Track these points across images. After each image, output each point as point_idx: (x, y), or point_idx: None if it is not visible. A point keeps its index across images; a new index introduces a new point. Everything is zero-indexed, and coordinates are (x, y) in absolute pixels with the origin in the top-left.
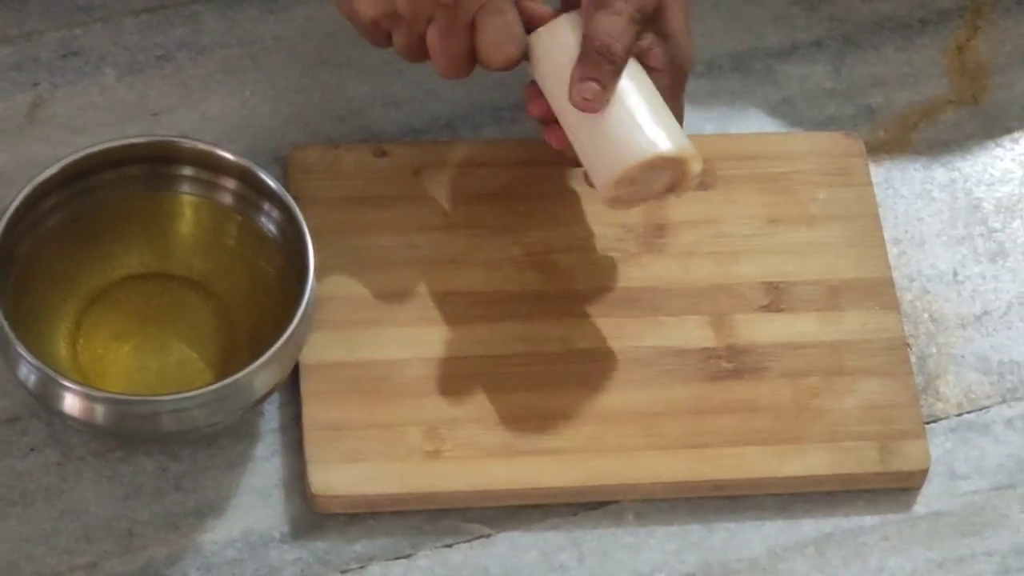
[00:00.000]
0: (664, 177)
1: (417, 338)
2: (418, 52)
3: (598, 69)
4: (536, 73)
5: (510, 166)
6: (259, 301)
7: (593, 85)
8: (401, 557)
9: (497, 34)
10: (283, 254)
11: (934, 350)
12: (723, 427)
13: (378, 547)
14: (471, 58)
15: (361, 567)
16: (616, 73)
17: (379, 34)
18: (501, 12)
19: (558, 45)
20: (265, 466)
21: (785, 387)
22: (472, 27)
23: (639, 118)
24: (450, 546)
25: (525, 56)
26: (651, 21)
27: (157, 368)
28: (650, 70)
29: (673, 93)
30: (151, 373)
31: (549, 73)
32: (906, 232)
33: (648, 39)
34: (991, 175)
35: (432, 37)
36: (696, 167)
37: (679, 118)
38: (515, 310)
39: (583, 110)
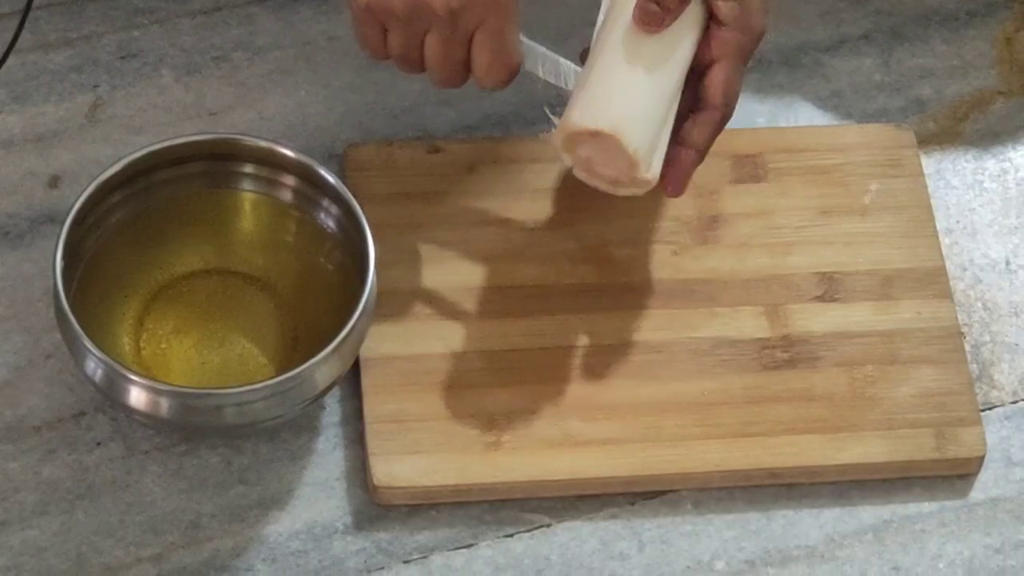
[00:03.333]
0: (616, 164)
1: (475, 331)
2: (415, 59)
3: None
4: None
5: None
6: (318, 296)
7: (653, 6)
8: (463, 547)
9: (490, 57)
10: (342, 250)
11: (988, 338)
12: (779, 416)
13: (440, 538)
14: (467, 69)
15: (424, 557)
16: (681, 3)
17: (374, 30)
18: (499, 33)
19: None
20: (327, 459)
21: (840, 376)
22: (470, 41)
23: (617, 84)
24: (511, 536)
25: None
26: None
27: (218, 362)
28: (718, 24)
29: (739, 53)
30: (212, 368)
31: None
32: (958, 222)
33: None
34: None
35: (431, 44)
36: (644, 174)
37: (733, 84)
38: (571, 303)
39: (641, 25)
